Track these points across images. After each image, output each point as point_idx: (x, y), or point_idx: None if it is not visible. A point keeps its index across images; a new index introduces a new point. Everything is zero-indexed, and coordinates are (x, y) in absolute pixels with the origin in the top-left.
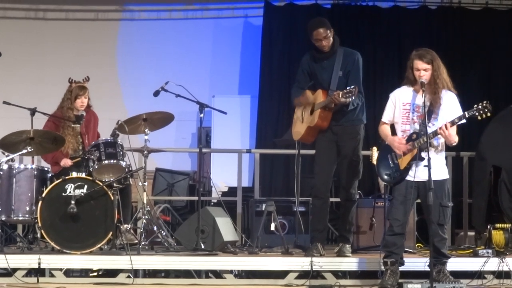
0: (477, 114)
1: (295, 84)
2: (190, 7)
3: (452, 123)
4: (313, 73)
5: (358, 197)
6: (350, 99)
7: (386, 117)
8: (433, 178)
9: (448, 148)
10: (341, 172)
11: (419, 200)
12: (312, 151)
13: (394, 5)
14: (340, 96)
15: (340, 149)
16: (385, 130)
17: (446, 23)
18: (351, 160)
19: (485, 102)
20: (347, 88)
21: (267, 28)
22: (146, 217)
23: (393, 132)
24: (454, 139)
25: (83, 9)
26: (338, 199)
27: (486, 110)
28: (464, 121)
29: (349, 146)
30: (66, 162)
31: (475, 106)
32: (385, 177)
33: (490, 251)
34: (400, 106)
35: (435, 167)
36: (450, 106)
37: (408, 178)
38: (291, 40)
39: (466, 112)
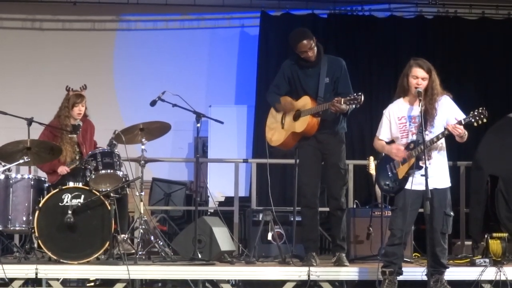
0: (473, 120)
1: (272, 89)
2: (187, 17)
3: (460, 123)
4: (295, 79)
5: (355, 206)
6: (352, 107)
7: (383, 134)
8: (437, 186)
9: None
10: (330, 181)
11: (421, 210)
12: None
13: (390, 15)
14: (342, 103)
15: (327, 158)
16: (380, 142)
17: (443, 33)
18: (339, 169)
19: (481, 108)
20: (351, 95)
21: (264, 38)
22: (143, 227)
23: None
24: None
25: (80, 19)
26: (327, 209)
27: (482, 116)
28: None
29: (336, 155)
30: (63, 169)
31: (471, 112)
32: (385, 187)
33: (487, 260)
34: (395, 122)
35: (439, 175)
36: (447, 110)
37: (411, 187)
38: (288, 50)
39: (462, 119)
